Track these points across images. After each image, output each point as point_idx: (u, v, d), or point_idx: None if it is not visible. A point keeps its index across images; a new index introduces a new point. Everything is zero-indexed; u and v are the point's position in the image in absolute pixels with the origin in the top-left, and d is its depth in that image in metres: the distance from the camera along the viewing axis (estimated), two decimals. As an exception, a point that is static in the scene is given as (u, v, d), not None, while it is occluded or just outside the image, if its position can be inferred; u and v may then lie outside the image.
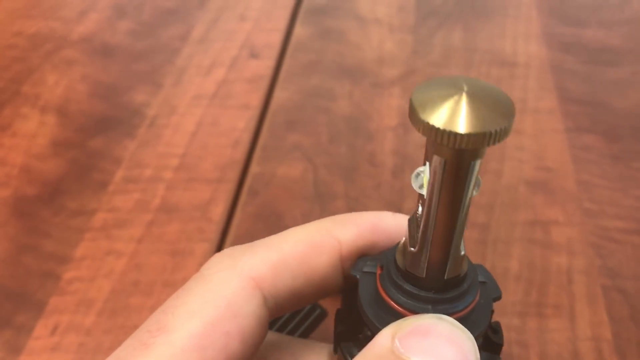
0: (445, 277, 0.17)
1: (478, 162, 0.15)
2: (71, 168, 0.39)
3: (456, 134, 0.13)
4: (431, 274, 0.17)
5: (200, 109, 0.43)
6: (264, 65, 0.46)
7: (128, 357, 0.16)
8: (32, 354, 0.30)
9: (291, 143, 0.40)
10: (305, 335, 0.29)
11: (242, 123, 0.42)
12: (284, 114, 0.42)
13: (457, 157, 0.14)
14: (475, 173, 0.15)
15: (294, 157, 0.39)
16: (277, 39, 0.49)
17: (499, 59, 0.47)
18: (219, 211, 0.35)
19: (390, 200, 0.36)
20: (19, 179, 0.38)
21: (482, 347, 0.18)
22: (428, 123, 0.13)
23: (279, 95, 0.44)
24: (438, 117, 0.13)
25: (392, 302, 0.17)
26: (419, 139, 0.40)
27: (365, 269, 0.18)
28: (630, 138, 0.40)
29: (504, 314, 0.31)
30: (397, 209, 0.35)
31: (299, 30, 0.50)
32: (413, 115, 0.14)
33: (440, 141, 0.13)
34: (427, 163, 0.15)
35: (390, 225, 0.19)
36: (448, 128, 0.13)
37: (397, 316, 0.17)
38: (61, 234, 0.35)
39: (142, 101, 0.43)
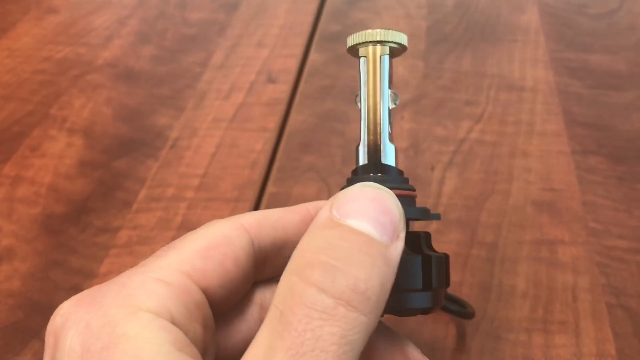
0: (383, 162, 0.23)
1: (386, 58, 0.23)
2: (97, 187, 0.40)
3: (371, 34, 0.23)
4: (371, 158, 0.23)
5: (220, 131, 0.45)
6: (281, 90, 0.48)
7: (147, 264, 0.20)
8: (60, 364, 0.31)
9: (306, 164, 0.42)
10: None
11: (259, 145, 0.43)
12: (299, 136, 0.44)
13: (373, 54, 0.23)
14: (385, 67, 0.23)
15: (309, 177, 0.41)
16: (293, 64, 0.51)
17: (507, 84, 0.48)
18: (237, 229, 0.37)
19: (402, 219, 0.37)
20: (47, 198, 0.40)
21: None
22: (355, 36, 0.23)
23: (294, 118, 0.46)
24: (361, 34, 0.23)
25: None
26: (428, 160, 0.42)
27: None
28: (635, 160, 0.41)
29: (511, 330, 0.32)
30: (408, 228, 0.37)
31: (314, 56, 0.52)
32: (349, 42, 0.23)
33: (364, 41, 0.23)
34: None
35: None
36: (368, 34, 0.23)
37: None
38: (87, 250, 0.37)
39: (164, 124, 0.45)
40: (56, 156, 0.43)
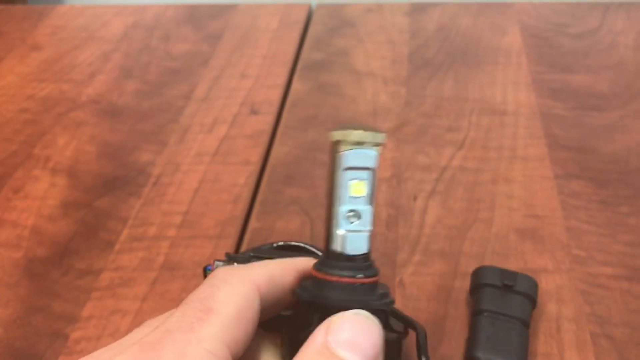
0: (330, 248, 0.24)
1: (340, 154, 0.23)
2: (79, 228, 0.40)
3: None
4: (330, 249, 0.24)
5: (203, 166, 0.45)
6: (264, 121, 0.48)
7: (189, 327, 0.22)
8: (41, 413, 0.31)
9: (289, 197, 0.42)
10: None
11: (242, 179, 0.43)
12: (282, 169, 0.44)
13: (332, 148, 0.24)
14: (341, 162, 0.23)
15: (292, 211, 0.41)
16: (276, 94, 0.51)
17: (489, 108, 0.48)
18: (219, 267, 0.37)
19: (385, 251, 0.37)
20: (30, 241, 0.40)
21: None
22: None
23: (277, 150, 0.46)
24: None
25: (332, 277, 0.23)
26: (411, 190, 0.41)
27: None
28: (618, 183, 0.41)
29: (495, 364, 0.31)
30: (391, 260, 0.37)
31: (296, 86, 0.52)
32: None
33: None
34: None
35: None
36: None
37: (335, 286, 0.23)
38: (69, 294, 0.36)
39: (147, 160, 0.45)
40: (39, 197, 0.43)
